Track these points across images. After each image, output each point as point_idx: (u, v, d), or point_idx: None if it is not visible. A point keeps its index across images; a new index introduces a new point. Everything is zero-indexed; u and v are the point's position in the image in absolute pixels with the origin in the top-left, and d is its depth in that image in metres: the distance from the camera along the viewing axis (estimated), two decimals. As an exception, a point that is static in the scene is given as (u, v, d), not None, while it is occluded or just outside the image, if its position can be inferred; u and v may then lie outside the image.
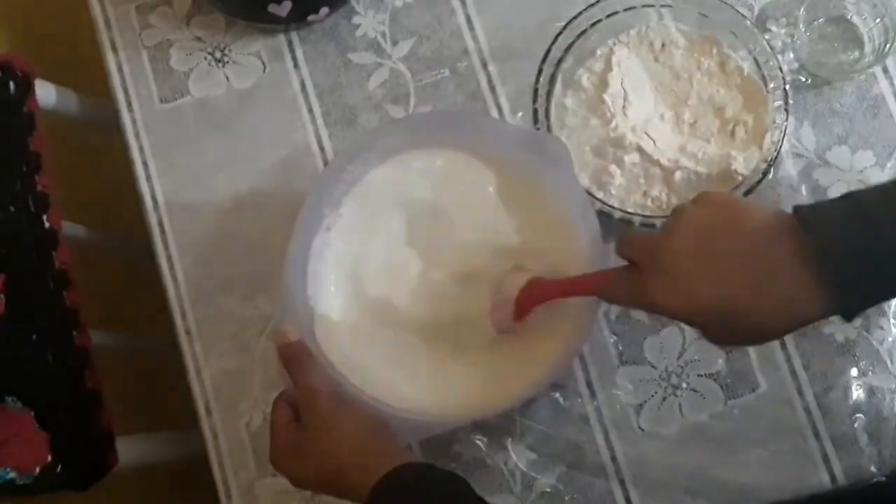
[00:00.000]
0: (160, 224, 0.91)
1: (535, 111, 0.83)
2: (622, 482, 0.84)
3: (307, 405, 0.73)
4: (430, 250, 0.83)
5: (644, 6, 0.85)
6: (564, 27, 0.84)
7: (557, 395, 0.85)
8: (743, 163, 0.82)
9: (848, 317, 0.60)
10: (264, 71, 0.93)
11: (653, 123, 0.84)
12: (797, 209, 0.60)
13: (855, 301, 0.59)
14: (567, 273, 0.76)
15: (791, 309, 0.60)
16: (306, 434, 0.73)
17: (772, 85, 0.82)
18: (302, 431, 0.73)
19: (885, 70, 0.89)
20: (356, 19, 0.93)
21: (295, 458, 0.73)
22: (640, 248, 0.65)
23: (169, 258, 0.90)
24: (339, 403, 0.74)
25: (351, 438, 0.72)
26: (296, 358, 0.75)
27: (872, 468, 0.82)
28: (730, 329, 0.62)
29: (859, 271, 0.57)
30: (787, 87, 0.82)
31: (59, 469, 0.87)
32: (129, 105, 0.93)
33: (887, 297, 0.60)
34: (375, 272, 0.82)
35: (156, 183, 0.91)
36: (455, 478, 0.72)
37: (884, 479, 0.82)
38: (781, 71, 0.82)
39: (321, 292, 0.82)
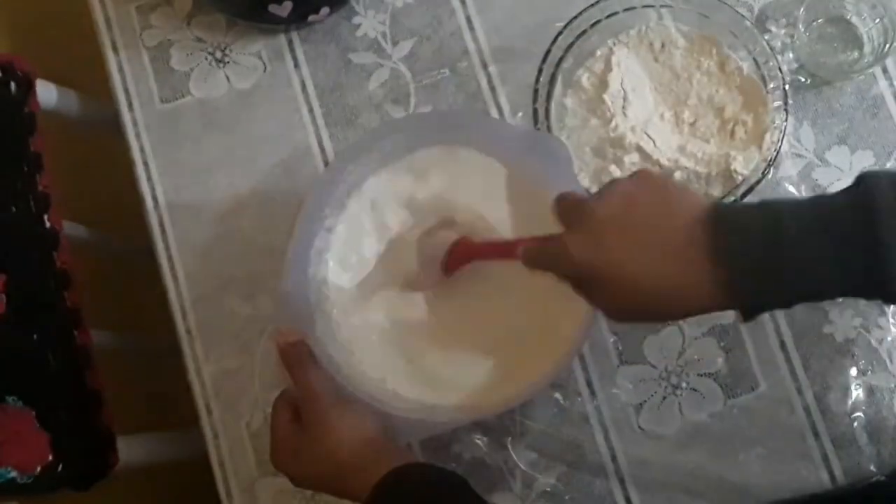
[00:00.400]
0: (161, 224, 0.91)
1: (535, 111, 0.84)
2: (622, 481, 0.84)
3: (307, 405, 0.74)
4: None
5: (644, 6, 0.85)
6: (564, 27, 0.84)
7: (557, 394, 0.85)
8: (742, 162, 0.82)
9: (745, 316, 0.62)
10: (265, 71, 0.93)
11: (652, 123, 0.84)
12: (715, 205, 0.62)
13: (749, 301, 0.61)
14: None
15: (690, 295, 0.62)
16: (307, 434, 0.73)
17: (771, 85, 0.82)
18: (302, 431, 0.73)
19: (885, 70, 0.89)
20: (357, 19, 0.93)
21: (295, 458, 0.73)
22: (570, 207, 0.67)
23: (170, 258, 0.90)
24: (339, 404, 0.74)
25: (351, 439, 0.72)
26: (296, 358, 0.75)
27: (872, 468, 0.82)
28: (628, 300, 0.64)
29: (756, 275, 0.60)
30: (787, 87, 0.82)
31: (59, 468, 0.87)
32: (130, 105, 0.93)
33: (785, 304, 0.62)
34: (376, 273, 0.83)
35: (156, 183, 0.92)
36: (455, 477, 0.72)
37: (883, 478, 0.82)
38: (781, 71, 0.82)
39: (321, 292, 0.82)
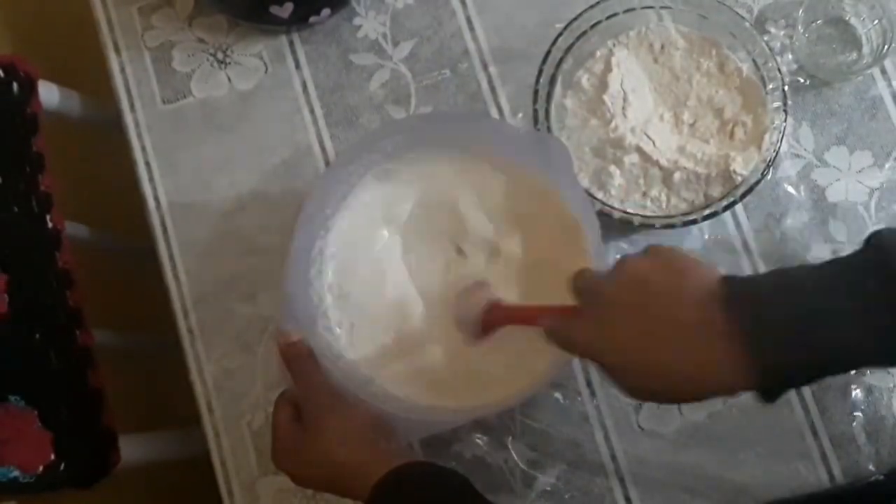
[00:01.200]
0: (162, 224, 0.91)
1: (536, 112, 0.84)
2: (622, 481, 0.84)
3: (308, 405, 0.74)
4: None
5: (643, 7, 0.86)
6: (564, 28, 0.84)
7: (557, 394, 0.85)
8: (742, 163, 0.82)
9: (768, 397, 0.59)
10: (266, 72, 0.93)
11: (652, 124, 0.84)
12: (728, 281, 0.60)
13: (774, 380, 0.59)
14: (569, 270, 0.77)
15: (707, 378, 0.59)
16: (308, 433, 0.73)
17: (770, 86, 0.83)
18: (303, 431, 0.73)
19: (883, 71, 0.89)
20: (357, 21, 0.93)
21: (296, 457, 0.74)
22: (584, 287, 0.66)
23: (171, 258, 0.90)
24: (340, 403, 0.74)
25: (351, 438, 0.73)
26: (298, 358, 0.75)
27: (870, 467, 0.82)
28: (640, 384, 0.63)
29: (780, 352, 0.57)
30: (786, 87, 0.82)
31: (62, 467, 0.87)
32: (132, 106, 0.93)
33: (811, 379, 0.60)
34: (377, 272, 0.83)
35: (158, 183, 0.92)
36: (456, 476, 0.72)
37: (882, 477, 0.82)
38: (780, 72, 0.82)
39: (322, 292, 0.82)
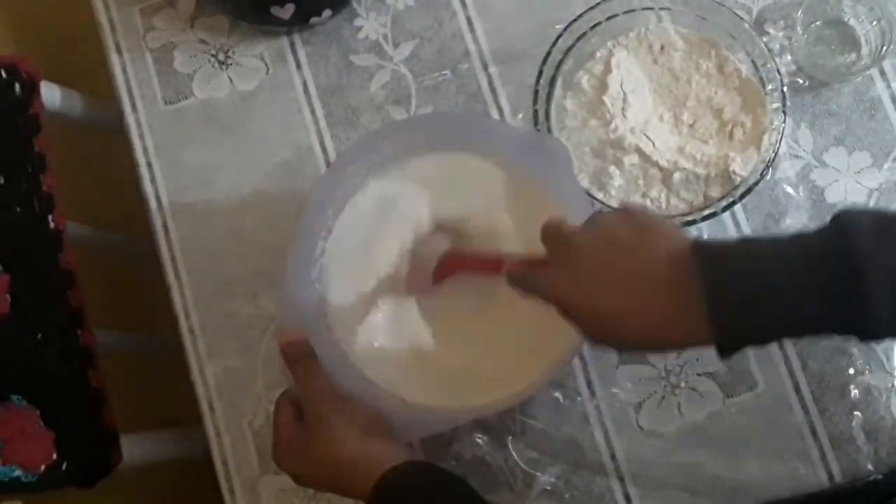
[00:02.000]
0: (164, 224, 0.91)
1: (536, 113, 0.84)
2: (621, 480, 0.84)
3: (309, 404, 0.74)
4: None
5: (643, 9, 0.86)
6: (564, 30, 0.84)
7: (557, 393, 0.85)
8: (741, 164, 0.82)
9: (723, 352, 0.61)
10: (267, 73, 0.93)
11: (651, 125, 0.85)
12: (696, 241, 0.63)
13: (729, 337, 0.61)
14: None
15: (668, 330, 0.62)
16: (309, 433, 0.73)
17: (770, 87, 0.83)
18: (304, 430, 0.74)
19: (882, 72, 0.89)
20: (358, 21, 0.93)
21: (297, 457, 0.74)
22: (555, 237, 0.68)
23: (173, 258, 0.90)
24: (341, 402, 0.74)
25: (352, 437, 0.73)
26: (298, 358, 0.75)
27: (869, 466, 0.83)
28: (606, 333, 0.65)
29: (736, 310, 0.60)
30: (785, 88, 0.82)
31: (63, 467, 0.87)
32: (134, 106, 0.94)
33: (765, 340, 0.62)
34: (377, 273, 0.83)
35: (160, 183, 0.92)
36: (454, 477, 0.72)
37: (881, 477, 0.83)
38: (779, 73, 0.82)
39: (323, 293, 0.82)
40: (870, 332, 0.59)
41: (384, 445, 0.74)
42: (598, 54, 0.87)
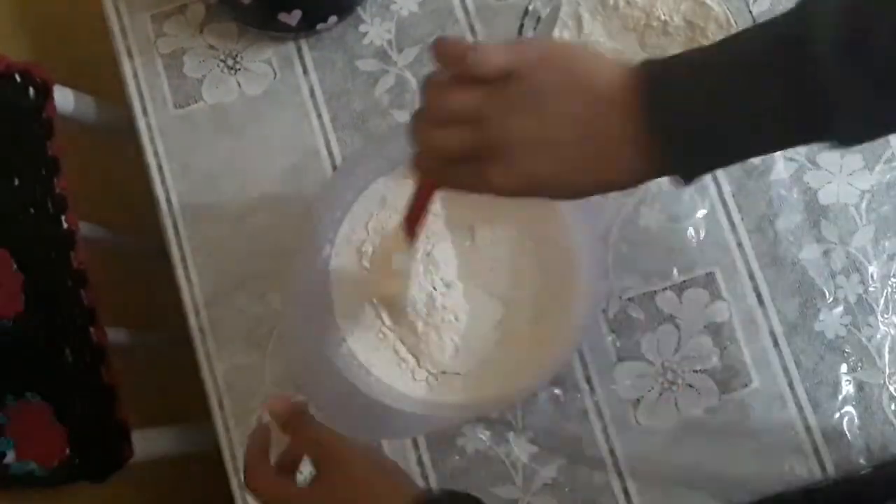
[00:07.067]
0: (174, 225, 0.92)
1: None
2: (620, 475, 0.85)
3: (324, 456, 0.69)
4: (439, 252, 0.84)
5: None
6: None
7: (557, 390, 0.86)
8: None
9: (677, 165, 0.56)
10: (275, 78, 0.94)
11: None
12: (640, 63, 0.56)
13: (683, 161, 0.56)
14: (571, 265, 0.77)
15: (613, 158, 0.56)
16: (325, 483, 0.68)
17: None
18: (319, 483, 0.68)
19: (875, 76, 0.90)
20: (363, 27, 0.94)
21: None
22: (455, 51, 0.62)
23: (183, 258, 0.91)
24: (346, 447, 0.69)
25: (365, 479, 0.68)
26: (292, 416, 0.71)
27: (861, 461, 0.84)
28: (542, 168, 0.58)
29: (690, 133, 0.54)
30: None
31: (76, 461, 0.87)
32: (145, 110, 0.95)
33: (724, 154, 0.57)
34: (382, 274, 0.83)
35: (170, 185, 0.93)
36: (472, 501, 0.69)
37: (872, 471, 0.83)
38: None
39: (328, 294, 0.83)
40: (831, 125, 0.53)
41: (395, 480, 0.70)
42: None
